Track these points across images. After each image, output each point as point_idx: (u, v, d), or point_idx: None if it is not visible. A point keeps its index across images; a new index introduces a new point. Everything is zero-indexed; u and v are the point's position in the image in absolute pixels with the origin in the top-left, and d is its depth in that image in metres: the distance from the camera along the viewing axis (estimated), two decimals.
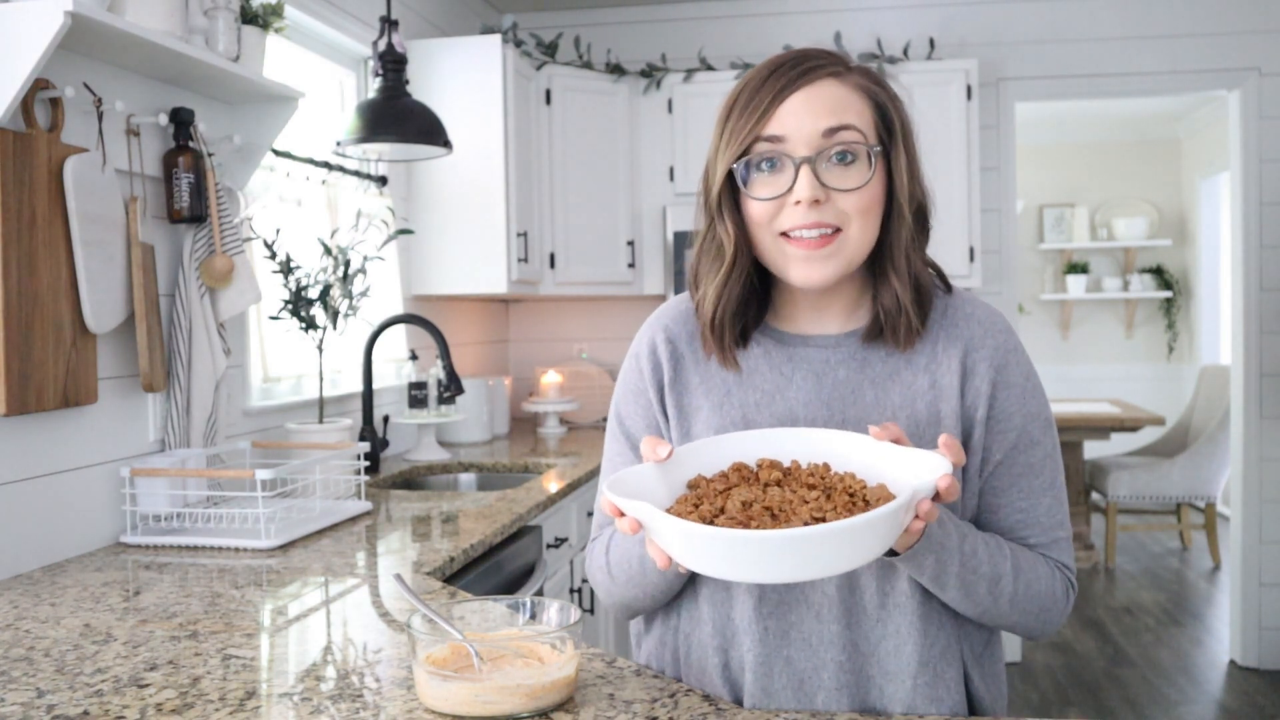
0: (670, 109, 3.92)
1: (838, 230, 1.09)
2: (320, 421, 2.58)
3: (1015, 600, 1.11)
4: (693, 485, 1.03)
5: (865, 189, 1.09)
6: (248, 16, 2.26)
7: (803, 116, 1.08)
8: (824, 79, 1.09)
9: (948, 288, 1.20)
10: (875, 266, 1.15)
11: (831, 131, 1.08)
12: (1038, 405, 1.17)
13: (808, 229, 1.08)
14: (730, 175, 1.11)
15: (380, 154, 2.90)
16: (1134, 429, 5.65)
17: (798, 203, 1.07)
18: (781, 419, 1.15)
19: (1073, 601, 1.19)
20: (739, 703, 1.17)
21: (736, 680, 1.17)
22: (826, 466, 1.02)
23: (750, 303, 1.17)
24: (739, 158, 1.10)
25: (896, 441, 1.01)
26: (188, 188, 2.13)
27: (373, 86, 2.80)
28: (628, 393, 1.25)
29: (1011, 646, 4.21)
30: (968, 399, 1.14)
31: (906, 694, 1.13)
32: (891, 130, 1.12)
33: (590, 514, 3.01)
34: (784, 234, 1.10)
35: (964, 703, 1.16)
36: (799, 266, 1.10)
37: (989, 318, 1.18)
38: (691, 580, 1.21)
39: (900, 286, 1.12)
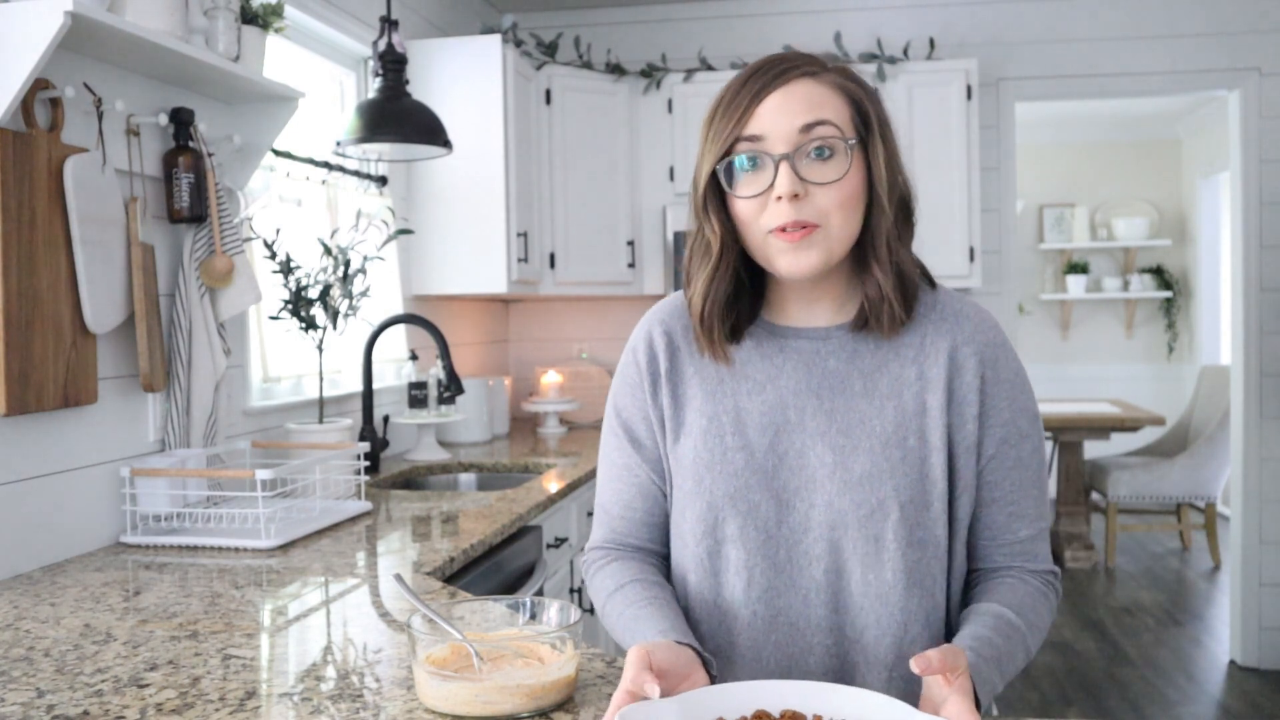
0: (670, 109, 3.92)
1: (819, 225, 1.12)
2: (320, 421, 2.58)
3: (1037, 646, 1.17)
4: None
5: (843, 181, 1.11)
6: (248, 16, 2.26)
7: (780, 115, 1.11)
8: (799, 79, 1.13)
9: (931, 284, 1.23)
10: (860, 257, 1.18)
11: (808, 128, 1.11)
12: (1026, 400, 1.20)
13: (791, 225, 1.11)
14: (716, 176, 1.15)
15: (380, 154, 2.90)
16: (1134, 429, 5.65)
17: (779, 198, 1.10)
18: (772, 406, 1.18)
19: (1060, 593, 1.24)
20: None
21: (724, 668, 1.18)
22: None
23: (740, 297, 1.20)
24: (722, 158, 1.13)
25: (952, 669, 0.96)
26: (188, 188, 2.13)
27: (373, 86, 2.80)
28: (624, 385, 1.28)
29: None
30: (957, 394, 1.17)
31: (883, 685, 1.15)
32: (869, 124, 1.15)
33: (590, 514, 3.01)
34: (771, 231, 1.13)
35: None
36: (784, 258, 1.13)
37: (978, 315, 1.21)
38: (680, 570, 1.23)
39: (883, 275, 1.15)
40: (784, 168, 1.10)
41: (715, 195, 1.16)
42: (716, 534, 1.18)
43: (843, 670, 1.16)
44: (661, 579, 1.23)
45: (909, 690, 1.15)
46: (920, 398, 1.16)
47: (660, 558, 1.28)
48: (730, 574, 1.18)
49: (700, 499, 1.19)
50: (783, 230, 1.11)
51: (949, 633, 1.20)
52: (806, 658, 1.16)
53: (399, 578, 1.20)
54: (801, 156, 1.11)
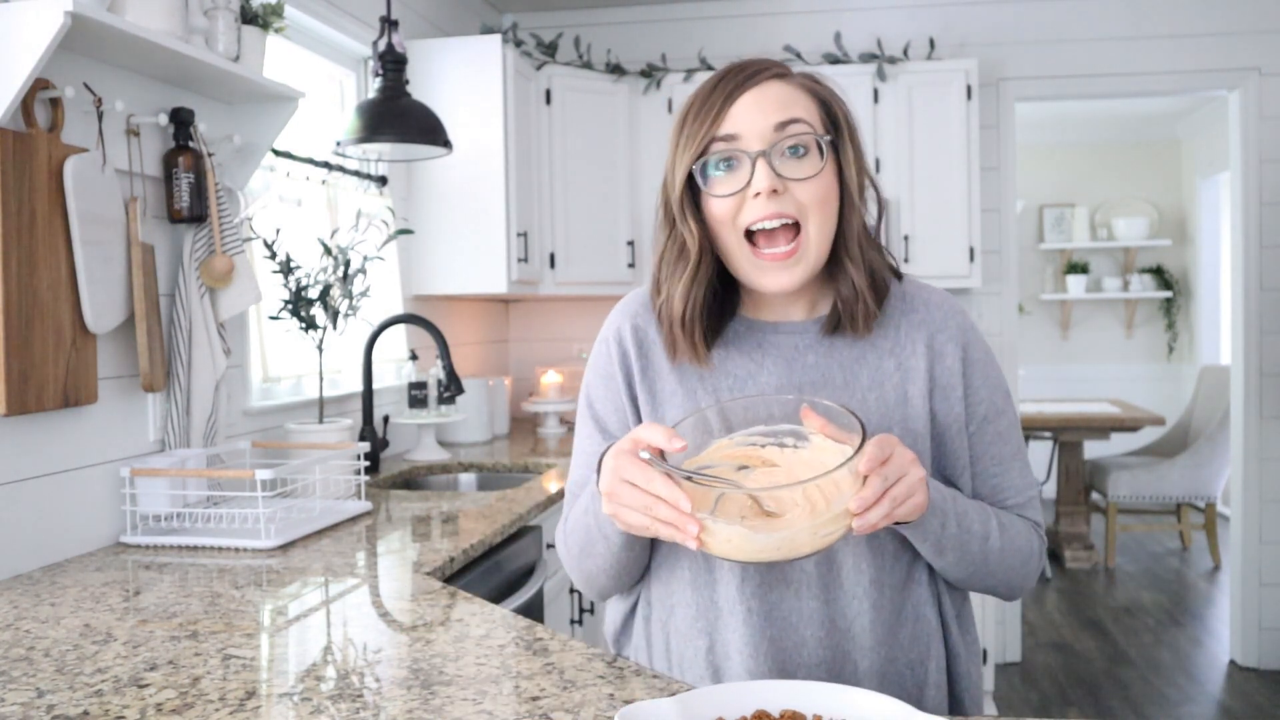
0: (670, 109, 3.92)
1: (798, 226, 1.13)
2: (320, 421, 2.58)
3: (1003, 554, 1.18)
4: None
5: (819, 177, 1.13)
6: (248, 16, 2.26)
7: (754, 114, 1.12)
8: (769, 80, 1.14)
9: (898, 275, 1.25)
10: (832, 257, 1.19)
11: (782, 125, 1.12)
12: (998, 377, 1.25)
13: (769, 220, 1.12)
14: (690, 178, 1.15)
15: (380, 154, 2.90)
16: (1134, 429, 5.65)
17: (757, 195, 1.11)
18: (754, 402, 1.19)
19: (1044, 556, 1.26)
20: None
21: (720, 664, 1.19)
22: None
23: (717, 299, 1.21)
24: (697, 159, 1.14)
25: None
26: (188, 188, 2.13)
27: (373, 86, 2.80)
28: (597, 377, 1.28)
29: (1012, 647, 4.21)
30: (940, 380, 1.20)
31: (881, 664, 1.17)
32: (837, 124, 1.17)
33: None
34: (749, 236, 1.14)
35: (939, 679, 1.21)
36: (769, 277, 1.15)
37: (946, 302, 1.25)
38: (669, 567, 1.22)
39: (857, 274, 1.17)
40: (761, 164, 1.11)
41: (690, 197, 1.16)
42: None
43: (834, 661, 1.17)
44: None
45: (901, 677, 1.17)
46: (901, 388, 1.19)
47: None
48: (724, 572, 1.18)
49: None
50: (764, 235, 1.12)
51: (940, 619, 1.23)
52: (800, 651, 1.17)
53: (646, 455, 1.03)
54: (777, 153, 1.12)
